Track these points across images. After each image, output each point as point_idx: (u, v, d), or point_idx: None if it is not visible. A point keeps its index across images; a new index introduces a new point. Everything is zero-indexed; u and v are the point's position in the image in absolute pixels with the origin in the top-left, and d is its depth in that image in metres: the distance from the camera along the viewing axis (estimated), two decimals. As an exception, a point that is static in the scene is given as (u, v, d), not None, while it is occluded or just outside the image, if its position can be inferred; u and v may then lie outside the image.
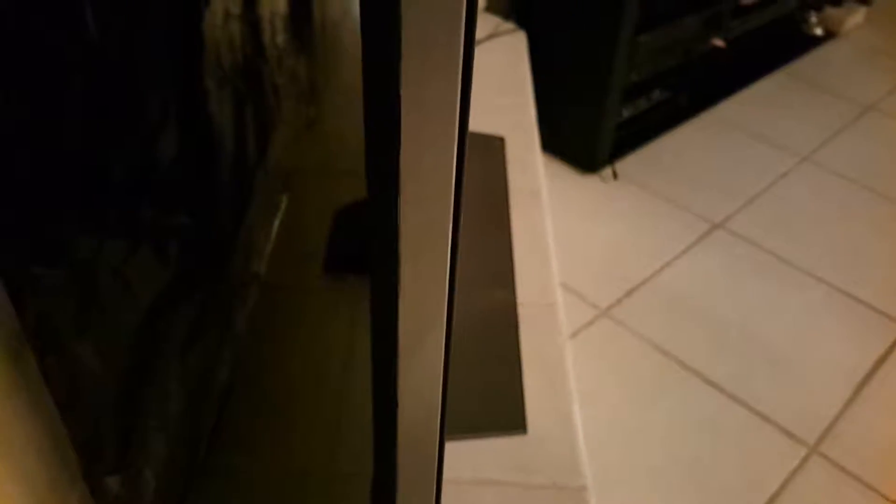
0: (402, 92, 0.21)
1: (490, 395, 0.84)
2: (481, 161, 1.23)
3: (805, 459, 1.15)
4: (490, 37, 1.58)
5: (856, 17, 2.47)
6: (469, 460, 0.75)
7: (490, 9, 1.64)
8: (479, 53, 1.59)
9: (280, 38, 0.96)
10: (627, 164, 1.74)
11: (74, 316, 0.47)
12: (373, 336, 0.34)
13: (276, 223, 0.99)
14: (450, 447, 0.76)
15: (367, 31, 0.21)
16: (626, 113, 1.79)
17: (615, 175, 1.71)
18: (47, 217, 0.43)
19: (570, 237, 1.53)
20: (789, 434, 1.18)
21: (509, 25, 1.62)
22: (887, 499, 1.10)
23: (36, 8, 0.39)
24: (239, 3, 0.78)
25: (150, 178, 0.58)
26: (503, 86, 1.43)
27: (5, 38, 0.37)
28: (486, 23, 1.62)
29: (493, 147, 1.25)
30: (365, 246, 0.31)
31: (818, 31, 2.41)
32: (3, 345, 0.40)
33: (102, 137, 0.49)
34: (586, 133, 1.69)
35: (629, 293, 1.41)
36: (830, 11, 2.43)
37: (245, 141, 0.84)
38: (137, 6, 0.55)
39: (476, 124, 1.29)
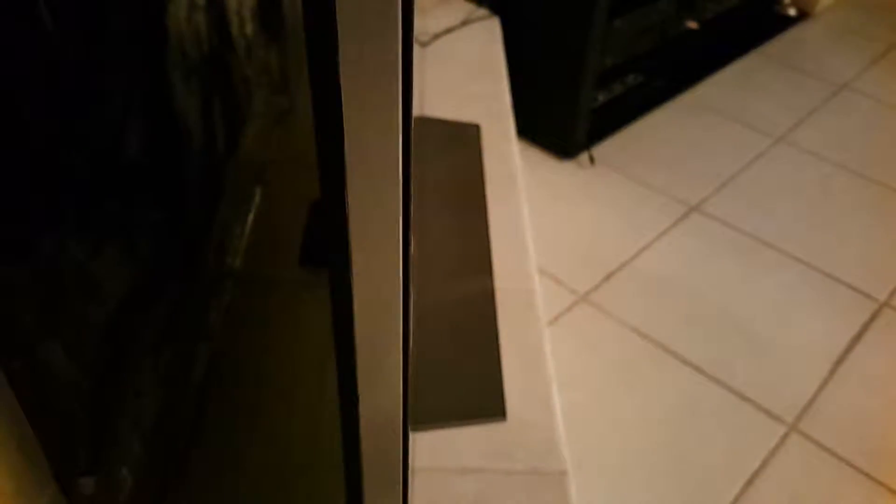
0: (342, 81, 0.20)
1: (469, 383, 0.84)
2: (457, 149, 1.23)
3: (784, 437, 1.16)
4: (464, 23, 1.57)
5: (828, -3, 2.49)
6: (450, 448, 0.75)
7: (463, -5, 1.63)
8: (453, 40, 1.58)
9: (249, 29, 0.95)
10: (604, 149, 1.74)
11: (40, 316, 0.46)
12: (333, 330, 0.34)
13: (250, 216, 0.98)
14: (430, 436, 0.76)
15: (308, 28, 0.21)
16: (601, 97, 1.79)
17: (592, 160, 1.71)
18: (11, 215, 0.42)
19: (548, 223, 1.53)
20: (768, 412, 1.19)
21: (483, 12, 1.61)
22: (865, 474, 1.12)
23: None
24: (203, -6, 0.77)
25: (117, 173, 0.57)
26: (477, 73, 1.42)
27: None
28: (459, 10, 1.61)
29: (469, 135, 1.25)
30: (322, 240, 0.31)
31: (791, 12, 2.42)
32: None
33: (67, 133, 0.49)
34: (562, 118, 1.69)
35: (607, 277, 1.41)
36: (803, -8, 2.45)
37: (215, 134, 0.83)
38: (98, 1, 0.53)
39: (451, 112, 1.29)
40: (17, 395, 0.45)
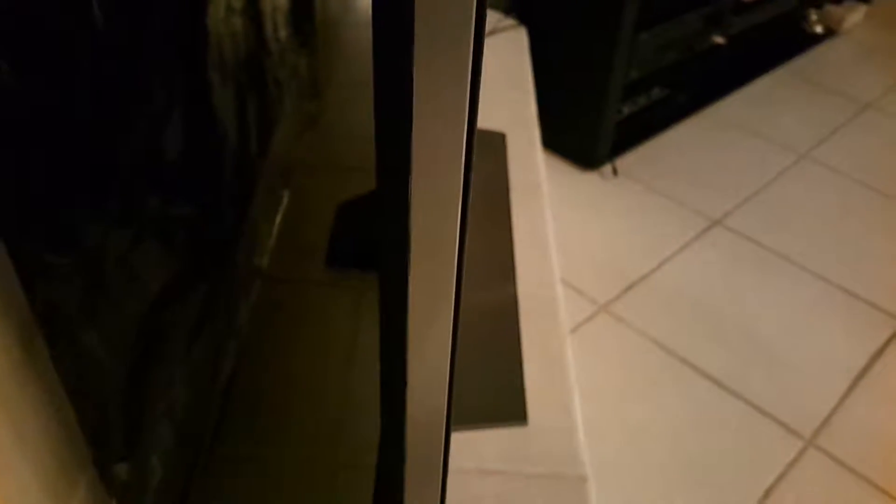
0: (415, 90, 0.21)
1: (491, 387, 0.85)
2: (482, 157, 1.24)
3: (802, 452, 1.16)
4: (491, 33, 1.58)
5: (855, 16, 2.48)
6: (471, 451, 0.76)
7: (491, 5, 1.65)
8: (480, 50, 1.59)
9: (282, 34, 0.97)
10: (627, 161, 1.75)
11: (83, 304, 0.48)
12: (382, 327, 0.35)
13: (279, 218, 1.00)
14: (453, 438, 0.77)
15: (379, 31, 0.22)
16: (626, 110, 1.80)
17: (615, 172, 1.72)
18: (58, 206, 0.44)
19: (570, 233, 1.54)
20: (786, 427, 1.19)
21: (510, 21, 1.63)
22: (882, 490, 1.11)
23: (45, 1, 0.40)
24: (243, -1, 0.79)
25: (155, 169, 0.59)
26: (504, 82, 1.44)
27: (18, 31, 0.37)
28: (487, 19, 1.62)
29: (495, 143, 1.26)
30: (372, 240, 0.32)
31: (818, 29, 2.41)
32: (16, 332, 0.41)
33: (111, 129, 0.50)
34: (586, 130, 1.69)
35: (628, 289, 1.42)
36: (830, 9, 2.44)
37: (248, 135, 0.85)
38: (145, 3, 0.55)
39: (478, 120, 1.30)
40: (62, 381, 0.47)
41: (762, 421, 1.20)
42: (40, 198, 0.42)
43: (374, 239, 0.31)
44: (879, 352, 1.33)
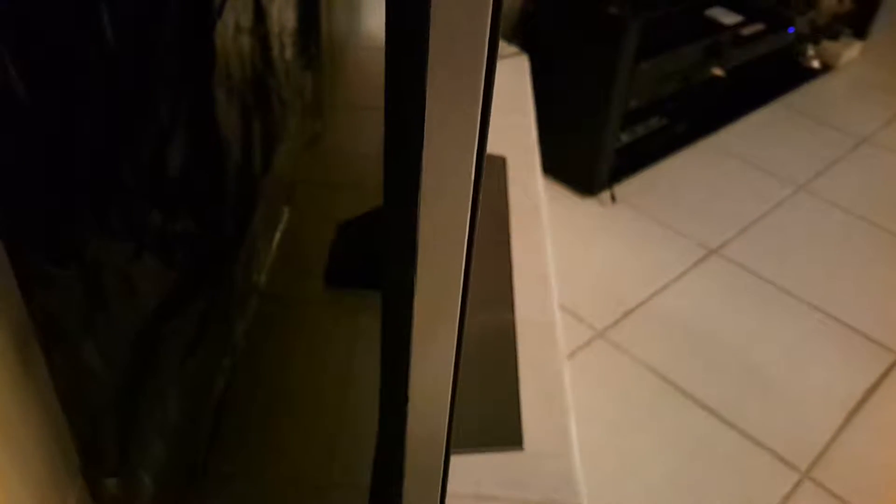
0: (427, 114, 0.21)
1: (487, 411, 0.84)
2: (483, 180, 1.24)
3: (797, 485, 1.15)
4: (493, 59, 1.60)
5: (852, 51, 2.51)
6: (466, 474, 0.75)
7: (493, 32, 1.66)
8: (482, 75, 1.61)
9: (288, 53, 0.98)
10: (626, 189, 1.76)
11: (79, 314, 0.47)
12: (385, 347, 0.34)
13: (278, 235, 1.00)
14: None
15: (393, 56, 0.22)
16: (625, 138, 1.81)
17: (613, 199, 1.72)
18: (60, 216, 0.44)
19: (568, 259, 1.54)
20: (782, 459, 1.18)
21: (513, 49, 1.64)
22: (879, 527, 1.10)
23: (53, 12, 0.40)
24: (249, 18, 0.79)
25: (157, 182, 0.59)
26: (505, 107, 1.45)
27: (28, 42, 0.38)
28: (489, 45, 1.64)
29: (495, 166, 1.27)
30: (372, 259, 0.32)
31: (815, 64, 2.44)
32: (12, 337, 0.41)
33: (115, 140, 0.50)
34: (586, 157, 1.70)
35: (625, 315, 1.42)
36: (827, 45, 2.47)
37: (251, 152, 0.85)
38: (153, 15, 0.56)
39: (478, 144, 1.31)
40: (56, 389, 0.47)
41: (757, 452, 1.19)
42: (43, 207, 0.42)
43: (375, 258, 0.31)
44: (876, 385, 1.33)
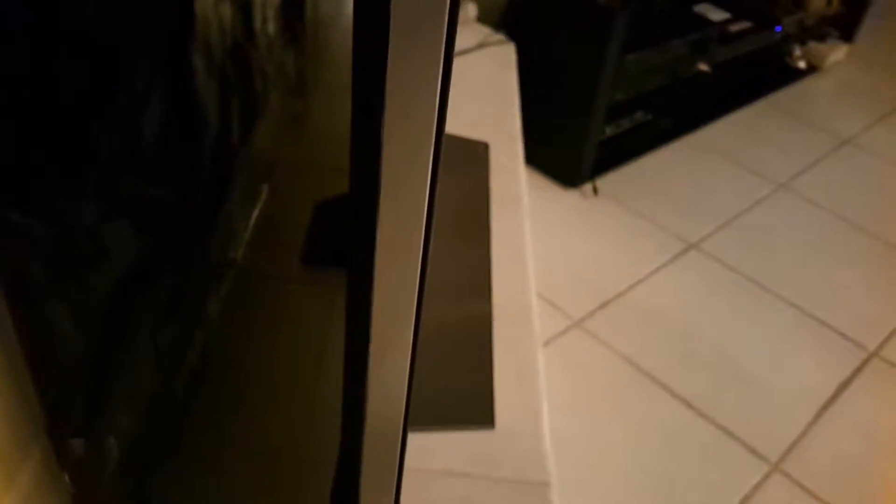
0: (387, 95, 0.22)
1: (461, 391, 0.85)
2: (465, 165, 1.24)
3: (766, 476, 1.16)
4: (480, 46, 1.60)
5: (838, 54, 2.53)
6: (438, 452, 0.75)
7: (481, 19, 1.66)
8: (468, 63, 1.61)
9: (271, 27, 0.97)
10: (608, 181, 1.77)
11: (50, 273, 0.47)
12: (347, 324, 0.35)
13: (256, 212, 1.00)
14: (420, 438, 0.76)
15: (358, 40, 0.22)
16: (609, 131, 1.82)
17: (595, 191, 1.73)
18: (29, 168, 0.44)
19: (548, 249, 1.54)
20: (752, 450, 1.20)
21: (499, 37, 1.64)
22: (845, 519, 1.12)
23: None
24: (233, -14, 0.78)
25: (132, 146, 0.59)
26: (490, 95, 1.44)
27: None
28: (476, 33, 1.64)
29: (477, 152, 1.27)
30: (345, 240, 0.32)
31: (801, 65, 2.46)
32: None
33: (90, 101, 0.50)
34: (569, 148, 1.71)
35: (603, 306, 1.42)
36: (814, 46, 2.49)
37: (230, 125, 0.84)
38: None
39: (461, 131, 1.31)
40: (21, 344, 0.46)
41: (729, 443, 1.20)
42: (10, 156, 0.42)
43: (347, 237, 0.31)
44: (847, 381, 1.34)
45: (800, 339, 1.42)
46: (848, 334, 1.44)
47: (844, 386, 1.33)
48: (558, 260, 1.52)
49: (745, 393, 1.29)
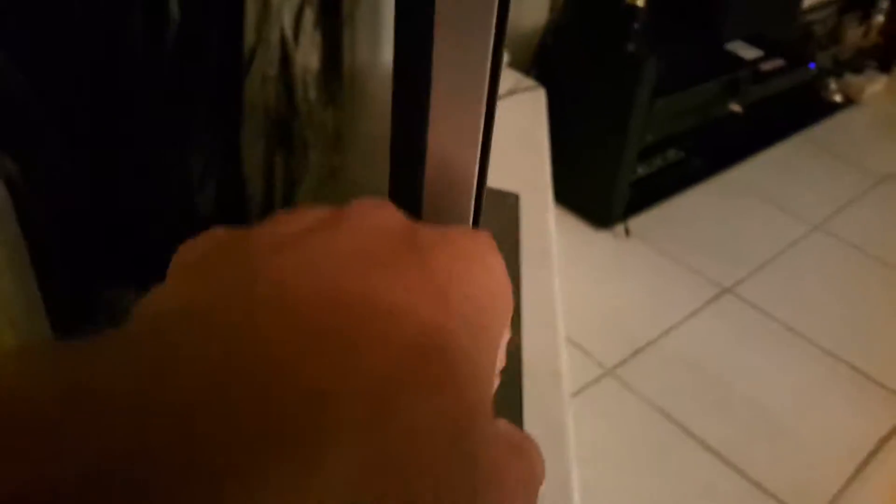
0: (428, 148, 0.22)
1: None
2: (495, 216, 1.26)
3: (803, 535, 1.14)
4: (510, 92, 1.61)
5: (876, 85, 2.50)
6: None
7: (512, 64, 1.68)
8: (499, 110, 1.62)
9: (312, 94, 1.00)
10: (640, 222, 1.76)
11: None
12: None
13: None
14: None
15: (398, 96, 0.22)
16: (640, 171, 1.82)
17: (627, 232, 1.73)
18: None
19: (580, 292, 1.54)
20: (788, 507, 1.18)
21: (530, 82, 1.66)
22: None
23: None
24: (275, 66, 0.81)
25: (191, 215, 0.61)
26: (520, 144, 1.46)
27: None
28: (507, 78, 1.65)
29: (508, 203, 1.28)
30: None
31: (837, 98, 2.43)
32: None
33: (153, 170, 0.52)
34: (601, 190, 1.71)
35: (635, 353, 1.42)
36: (850, 78, 2.46)
37: (273, 190, 0.87)
38: (186, 66, 0.58)
39: (491, 181, 1.32)
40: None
41: (763, 498, 1.19)
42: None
43: None
44: (888, 436, 1.32)
45: (837, 390, 1.40)
46: (888, 384, 1.42)
47: (885, 441, 1.31)
48: (590, 304, 1.52)
49: (780, 445, 1.28)
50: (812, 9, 2.12)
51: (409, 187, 0.23)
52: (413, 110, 0.22)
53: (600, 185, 1.71)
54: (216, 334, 0.12)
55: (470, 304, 0.15)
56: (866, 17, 2.45)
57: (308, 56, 0.97)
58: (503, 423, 0.17)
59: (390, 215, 0.17)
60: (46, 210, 0.48)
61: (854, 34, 2.43)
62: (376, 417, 0.12)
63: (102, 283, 0.56)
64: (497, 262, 0.18)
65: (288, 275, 0.14)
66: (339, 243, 0.15)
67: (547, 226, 1.27)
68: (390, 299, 0.14)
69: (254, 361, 0.12)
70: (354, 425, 0.12)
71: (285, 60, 0.86)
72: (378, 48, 1.37)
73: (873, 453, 1.28)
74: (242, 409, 0.11)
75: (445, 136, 0.22)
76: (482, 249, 0.17)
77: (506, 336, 0.18)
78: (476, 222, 0.25)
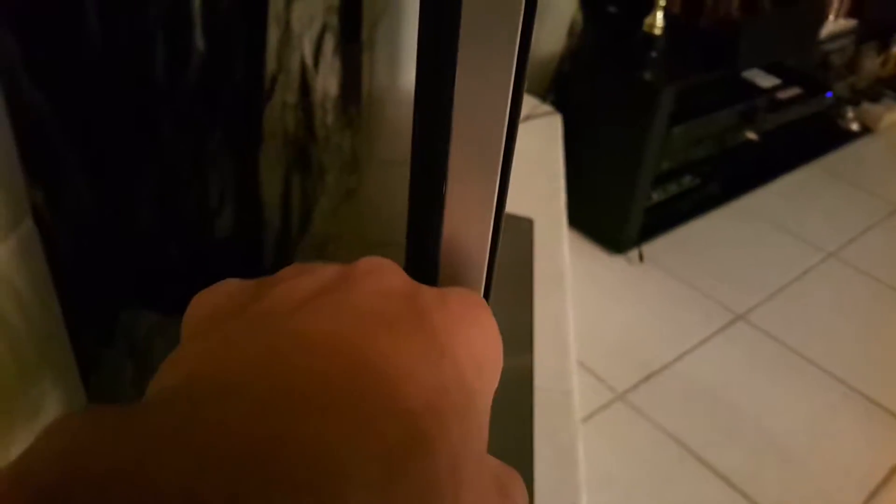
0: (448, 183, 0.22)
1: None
2: (509, 241, 1.28)
3: (812, 565, 1.14)
4: (527, 118, 1.64)
5: (893, 115, 2.50)
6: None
7: (529, 90, 1.70)
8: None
9: (330, 119, 1.03)
10: (654, 248, 1.77)
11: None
12: None
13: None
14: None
15: (419, 127, 0.22)
16: (655, 197, 1.83)
17: (641, 258, 1.74)
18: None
19: (592, 317, 1.55)
20: (797, 537, 1.18)
21: (546, 108, 1.68)
22: None
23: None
24: (296, 93, 0.84)
25: (203, 250, 0.64)
26: (536, 170, 1.48)
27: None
28: (524, 104, 1.68)
29: (522, 228, 1.30)
30: None
31: (854, 126, 2.43)
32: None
33: (175, 198, 0.55)
34: (615, 214, 1.73)
35: (647, 378, 1.43)
36: (868, 107, 2.47)
37: (291, 212, 0.89)
38: (210, 96, 0.61)
39: (508, 205, 1.34)
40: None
41: (773, 527, 1.19)
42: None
43: None
44: (899, 465, 1.32)
45: (849, 418, 1.39)
46: (899, 414, 1.41)
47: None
48: (602, 328, 1.53)
49: (790, 473, 1.28)
50: (830, 38, 2.13)
51: (426, 260, 0.23)
52: (430, 193, 0.23)
53: (615, 210, 1.73)
54: (254, 410, 0.13)
55: (467, 364, 0.17)
56: (884, 46, 2.45)
57: (327, 82, 1.01)
58: (494, 465, 0.18)
59: (395, 276, 0.18)
60: (70, 236, 0.50)
61: (872, 64, 2.44)
62: (388, 480, 0.13)
63: (123, 305, 0.59)
64: (490, 324, 0.19)
65: (308, 340, 0.15)
66: (350, 305, 0.16)
67: (560, 250, 1.29)
68: (397, 362, 0.15)
69: (287, 431, 0.13)
70: (368, 487, 0.13)
71: (305, 87, 0.90)
72: (396, 72, 1.41)
73: (884, 482, 1.28)
74: (279, 480, 0.12)
75: (459, 213, 0.23)
76: (477, 311, 0.19)
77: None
78: (487, 295, 0.25)
